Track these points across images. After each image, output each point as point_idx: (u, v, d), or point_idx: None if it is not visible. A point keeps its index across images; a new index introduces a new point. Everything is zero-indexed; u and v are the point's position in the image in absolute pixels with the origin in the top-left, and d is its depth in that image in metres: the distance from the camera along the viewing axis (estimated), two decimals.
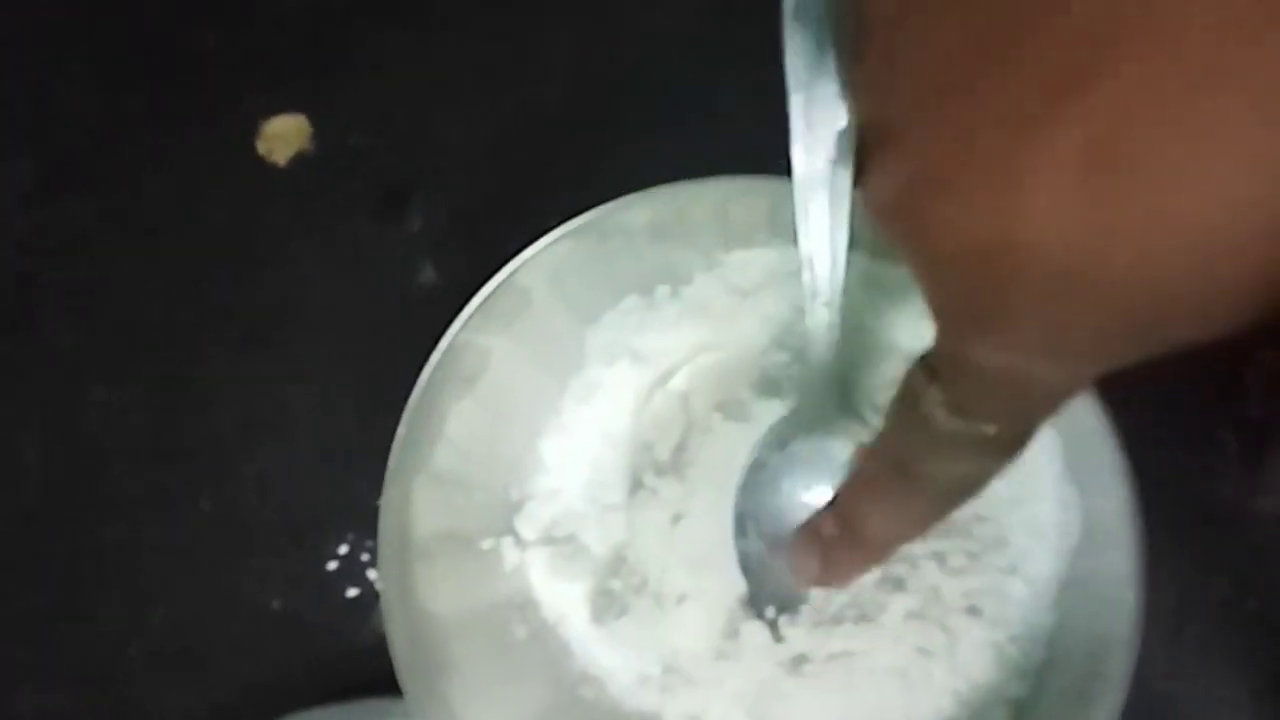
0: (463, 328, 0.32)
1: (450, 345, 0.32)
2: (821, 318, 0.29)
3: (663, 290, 0.34)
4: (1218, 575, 0.34)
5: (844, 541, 0.25)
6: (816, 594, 0.31)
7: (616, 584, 0.33)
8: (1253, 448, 0.34)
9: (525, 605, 0.34)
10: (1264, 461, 0.34)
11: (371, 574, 0.37)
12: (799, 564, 0.26)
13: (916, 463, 0.21)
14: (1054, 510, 0.31)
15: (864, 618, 0.30)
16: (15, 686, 0.38)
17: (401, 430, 0.32)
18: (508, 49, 0.41)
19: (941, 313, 0.18)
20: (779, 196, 0.32)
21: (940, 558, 0.30)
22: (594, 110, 0.40)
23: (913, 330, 0.32)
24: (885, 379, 0.32)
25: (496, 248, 0.33)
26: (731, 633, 0.32)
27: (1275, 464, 0.34)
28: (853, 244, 0.29)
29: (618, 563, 0.33)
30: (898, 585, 0.30)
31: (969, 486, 0.22)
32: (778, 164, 0.30)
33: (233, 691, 0.37)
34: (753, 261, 0.33)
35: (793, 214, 0.29)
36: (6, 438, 0.39)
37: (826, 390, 0.30)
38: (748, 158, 0.32)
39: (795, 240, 0.30)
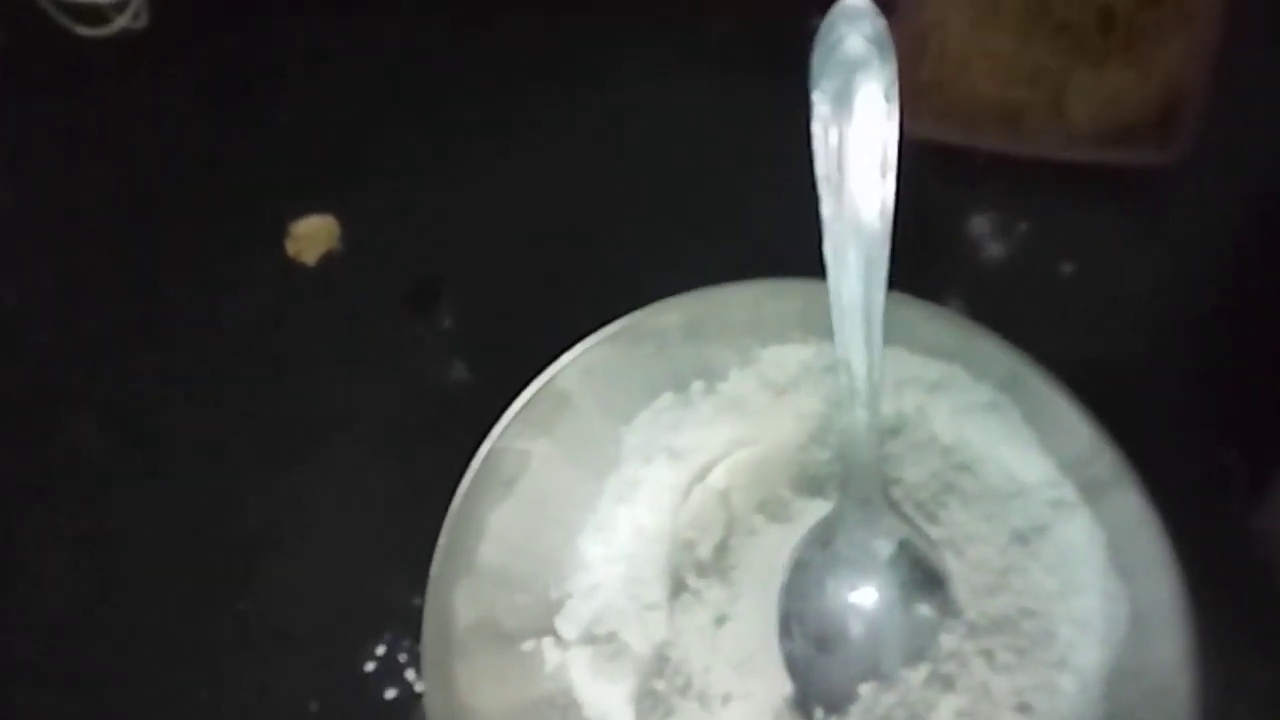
0: (502, 433, 0.32)
1: (490, 451, 0.32)
2: (860, 419, 0.29)
3: (698, 386, 0.34)
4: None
5: None
6: (865, 694, 0.30)
7: (660, 684, 0.32)
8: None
9: (568, 706, 0.33)
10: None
11: (410, 675, 0.37)
12: None
13: None
14: (1099, 602, 0.31)
15: (914, 718, 0.30)
16: None
17: (443, 539, 0.32)
18: (536, 150, 0.41)
19: None
20: (810, 297, 0.32)
21: (989, 655, 0.30)
22: (621, 207, 0.40)
23: (953, 425, 0.32)
24: (927, 475, 0.32)
25: (528, 345, 0.33)
26: None
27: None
28: (889, 341, 0.29)
29: (661, 662, 0.33)
30: (947, 684, 0.30)
31: None
32: (807, 265, 0.31)
33: None
34: (788, 357, 0.34)
35: (826, 313, 0.29)
36: (34, 548, 0.39)
37: (868, 489, 0.30)
38: (777, 257, 0.33)
39: (830, 338, 0.30)
